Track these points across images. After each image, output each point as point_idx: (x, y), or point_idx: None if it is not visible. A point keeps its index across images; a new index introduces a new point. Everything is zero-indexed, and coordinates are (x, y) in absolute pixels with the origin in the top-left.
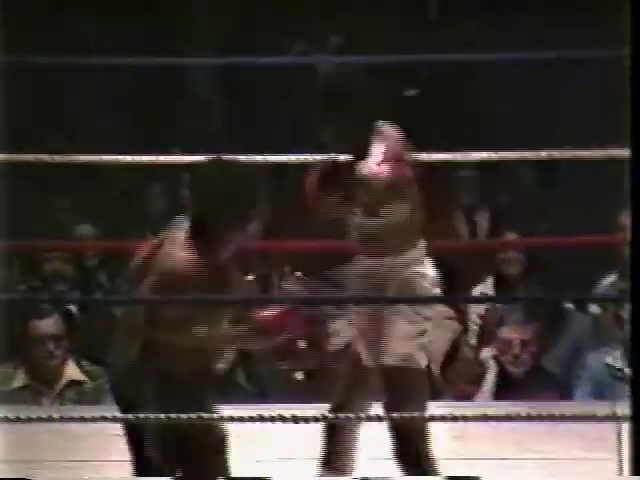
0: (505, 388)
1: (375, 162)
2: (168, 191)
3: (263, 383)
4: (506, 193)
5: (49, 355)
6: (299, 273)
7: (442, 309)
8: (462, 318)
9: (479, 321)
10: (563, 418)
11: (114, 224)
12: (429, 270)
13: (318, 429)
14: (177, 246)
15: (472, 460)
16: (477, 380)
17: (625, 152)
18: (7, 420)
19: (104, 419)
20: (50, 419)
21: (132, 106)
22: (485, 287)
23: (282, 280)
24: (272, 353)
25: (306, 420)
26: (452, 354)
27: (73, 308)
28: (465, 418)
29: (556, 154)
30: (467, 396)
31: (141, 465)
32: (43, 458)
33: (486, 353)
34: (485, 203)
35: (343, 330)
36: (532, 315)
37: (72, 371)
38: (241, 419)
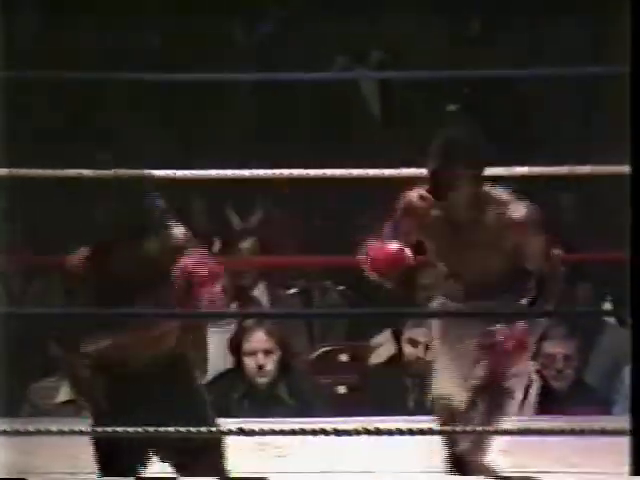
0: (548, 402)
1: None
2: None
3: (305, 397)
4: (547, 208)
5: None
6: (341, 287)
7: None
8: None
9: None
10: (564, 432)
11: None
12: None
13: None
14: None
15: (515, 473)
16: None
17: (625, 168)
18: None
19: (146, 433)
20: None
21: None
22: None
23: (324, 294)
24: (314, 367)
25: (349, 433)
26: None
27: None
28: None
29: (556, 170)
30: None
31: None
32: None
33: (529, 367)
34: None
35: (386, 343)
36: (574, 329)
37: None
38: (283, 432)
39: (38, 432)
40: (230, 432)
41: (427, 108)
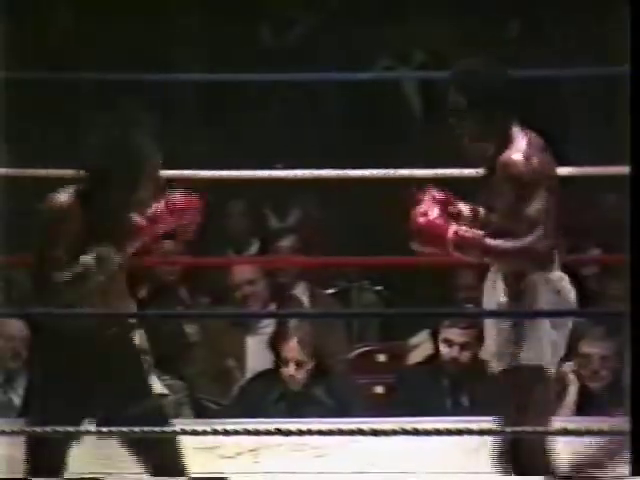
0: (585, 403)
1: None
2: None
3: (342, 397)
4: (586, 208)
5: None
6: (378, 287)
7: None
8: None
9: None
10: (564, 433)
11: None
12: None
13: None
14: None
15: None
16: (559, 394)
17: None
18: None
19: (183, 432)
20: (130, 432)
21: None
22: None
23: (361, 294)
24: (351, 367)
25: (386, 433)
26: None
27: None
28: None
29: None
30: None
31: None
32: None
33: (567, 367)
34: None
35: (424, 343)
36: (613, 330)
37: (154, 385)
38: (320, 432)
39: (76, 432)
40: (268, 432)
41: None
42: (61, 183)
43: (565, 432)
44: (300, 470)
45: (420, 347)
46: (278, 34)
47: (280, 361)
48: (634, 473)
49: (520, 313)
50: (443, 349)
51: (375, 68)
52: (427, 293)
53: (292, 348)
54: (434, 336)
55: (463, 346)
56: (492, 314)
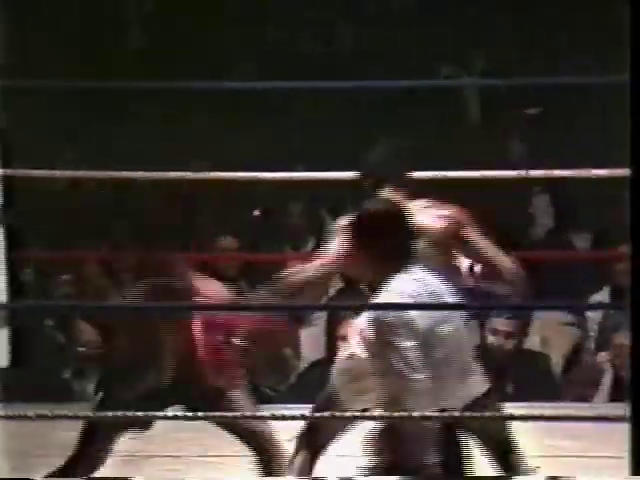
0: (620, 391)
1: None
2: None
3: None
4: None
5: None
6: None
7: (562, 316)
8: (582, 324)
9: (596, 327)
10: (564, 418)
11: (254, 239)
12: None
13: None
14: None
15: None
16: (595, 383)
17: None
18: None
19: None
20: (195, 417)
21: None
22: (601, 296)
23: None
24: None
25: (429, 418)
26: (572, 358)
27: None
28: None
29: (557, 173)
30: (585, 398)
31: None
32: (189, 454)
33: (602, 357)
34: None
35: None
36: None
37: None
38: (373, 418)
39: (145, 417)
40: (333, 416)
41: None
42: None
43: (568, 418)
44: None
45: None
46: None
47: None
48: (634, 473)
49: (525, 306)
50: (490, 338)
51: (437, 76)
52: None
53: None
54: (481, 325)
55: (508, 335)
56: (497, 307)
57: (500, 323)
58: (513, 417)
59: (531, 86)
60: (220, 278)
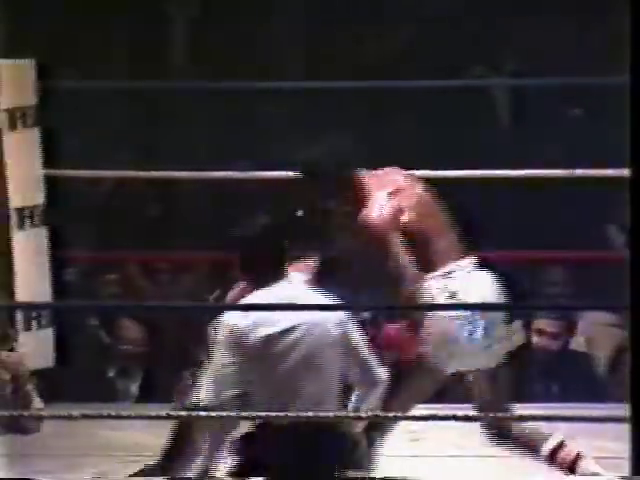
0: None
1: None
2: None
3: None
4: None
5: None
6: None
7: (608, 317)
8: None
9: None
10: (565, 419)
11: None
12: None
13: None
14: None
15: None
16: None
17: (624, 172)
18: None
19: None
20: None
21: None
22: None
23: None
24: None
25: (478, 419)
26: (616, 359)
27: None
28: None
29: (557, 173)
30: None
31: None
32: None
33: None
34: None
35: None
36: None
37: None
38: (414, 417)
39: (189, 416)
40: (366, 417)
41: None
42: None
43: (567, 418)
44: (395, 454)
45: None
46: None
47: None
48: (634, 473)
49: (527, 306)
50: (535, 338)
51: (467, 76)
52: None
53: None
54: (527, 325)
55: (554, 335)
56: (503, 307)
57: (545, 324)
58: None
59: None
60: None
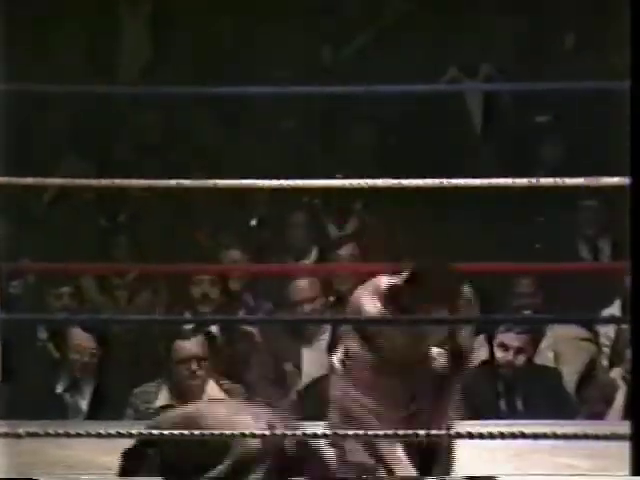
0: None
1: None
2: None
3: None
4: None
5: (192, 375)
6: None
7: (577, 331)
8: (596, 339)
9: (608, 342)
10: (564, 437)
11: (255, 249)
12: None
13: None
14: None
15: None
16: (609, 400)
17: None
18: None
19: (243, 435)
20: (191, 435)
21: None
22: (613, 309)
23: None
24: None
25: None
26: (587, 374)
27: (214, 329)
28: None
29: (555, 181)
30: (599, 415)
31: None
32: None
33: (616, 373)
34: (607, 230)
35: (479, 348)
36: None
37: (213, 390)
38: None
39: (139, 435)
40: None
41: (523, 121)
42: None
43: (566, 436)
44: None
45: (476, 352)
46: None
47: None
48: (634, 473)
49: (538, 319)
50: (499, 353)
51: (443, 79)
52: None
53: None
54: (489, 340)
55: (518, 350)
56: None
57: (509, 338)
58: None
59: (538, 93)
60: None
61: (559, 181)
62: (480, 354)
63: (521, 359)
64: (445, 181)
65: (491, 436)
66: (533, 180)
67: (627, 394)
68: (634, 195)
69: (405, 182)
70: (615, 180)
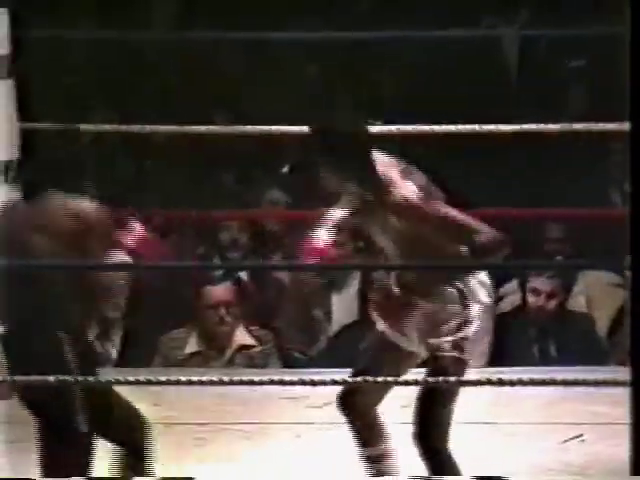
0: None
1: None
2: None
3: None
4: None
5: (221, 321)
6: None
7: (609, 276)
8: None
9: None
10: (564, 383)
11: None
12: None
13: None
14: None
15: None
16: None
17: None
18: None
19: (272, 382)
20: (220, 382)
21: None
22: None
23: None
24: None
25: (473, 384)
26: (619, 320)
27: (243, 275)
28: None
29: (555, 127)
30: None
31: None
32: (213, 421)
33: None
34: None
35: (513, 293)
36: None
37: (242, 336)
38: (407, 383)
39: (168, 382)
40: (355, 382)
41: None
42: None
43: (567, 382)
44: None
45: (509, 297)
46: None
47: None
48: (634, 473)
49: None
50: (531, 298)
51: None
52: None
53: None
54: (522, 286)
55: (550, 295)
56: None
57: (541, 282)
58: (506, 383)
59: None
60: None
61: (592, 126)
62: (513, 299)
63: (552, 304)
64: (477, 127)
65: (522, 383)
66: (566, 125)
67: None
68: (634, 191)
69: (437, 128)
70: (614, 126)
